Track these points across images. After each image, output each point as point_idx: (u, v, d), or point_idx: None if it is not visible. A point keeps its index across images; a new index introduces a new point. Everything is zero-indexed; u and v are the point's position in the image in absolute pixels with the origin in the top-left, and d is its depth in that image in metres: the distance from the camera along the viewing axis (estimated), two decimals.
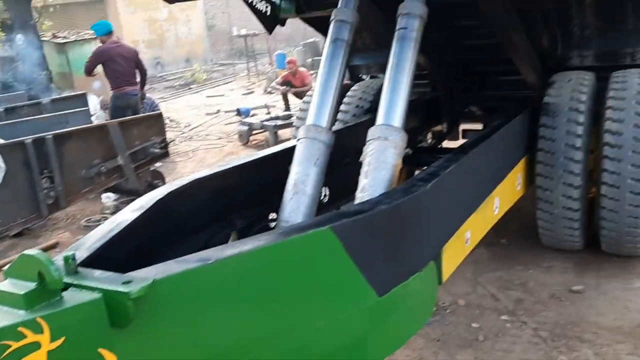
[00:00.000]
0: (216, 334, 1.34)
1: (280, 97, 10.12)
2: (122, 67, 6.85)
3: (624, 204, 3.17)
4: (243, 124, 8.30)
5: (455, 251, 2.28)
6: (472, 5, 2.99)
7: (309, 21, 4.60)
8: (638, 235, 3.27)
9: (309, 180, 2.41)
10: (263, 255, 1.44)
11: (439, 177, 2.01)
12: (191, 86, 16.48)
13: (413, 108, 4.74)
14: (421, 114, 4.64)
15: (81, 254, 1.47)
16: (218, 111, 11.32)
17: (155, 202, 1.93)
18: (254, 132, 8.08)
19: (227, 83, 16.60)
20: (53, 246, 4.80)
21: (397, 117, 2.33)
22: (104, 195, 5.79)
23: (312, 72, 12.46)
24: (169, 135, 9.05)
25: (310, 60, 15.11)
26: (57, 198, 4.95)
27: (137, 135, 5.57)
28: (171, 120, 10.67)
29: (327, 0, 3.20)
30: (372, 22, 3.32)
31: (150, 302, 1.22)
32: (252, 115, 9.41)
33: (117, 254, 1.57)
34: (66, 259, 1.26)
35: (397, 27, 2.50)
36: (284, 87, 9.75)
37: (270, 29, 4.04)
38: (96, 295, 1.19)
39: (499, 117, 3.36)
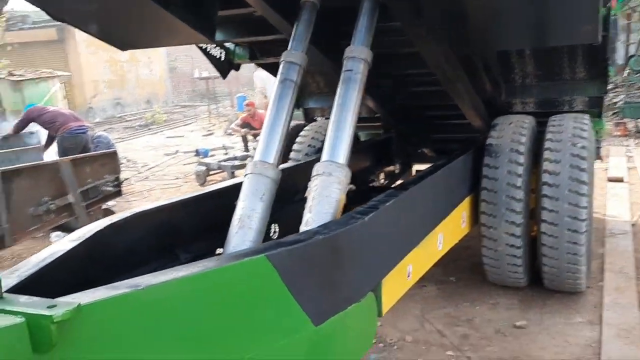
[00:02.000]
0: (143, 358, 1.33)
1: (240, 138, 10.18)
2: (57, 112, 6.82)
3: (562, 241, 3.30)
4: (201, 164, 8.29)
5: (396, 284, 2.33)
6: (417, 55, 3.14)
7: (263, 66, 4.73)
8: (577, 272, 3.39)
9: (255, 214, 2.43)
10: (196, 282, 1.45)
11: (378, 210, 2.07)
12: (151, 127, 16.42)
13: (365, 148, 4.93)
14: (373, 155, 4.78)
15: (10, 281, 1.45)
16: (176, 152, 11.29)
17: (94, 234, 1.92)
18: (212, 172, 8.07)
19: (187, 124, 16.62)
20: None
21: (342, 154, 2.40)
22: (53, 234, 5.65)
23: None
24: (126, 174, 8.98)
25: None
26: (2, 236, 4.79)
27: (89, 173, 5.50)
28: (128, 160, 10.58)
29: (279, 47, 3.33)
30: (319, 65, 3.44)
31: (75, 327, 1.21)
32: (211, 156, 9.42)
33: (50, 283, 1.55)
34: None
35: (343, 69, 2.61)
36: (244, 129, 9.83)
37: (224, 73, 4.14)
38: (19, 319, 1.17)
39: (449, 158, 3.50)
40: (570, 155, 3.32)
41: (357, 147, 4.86)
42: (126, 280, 1.40)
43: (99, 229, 1.95)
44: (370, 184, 4.58)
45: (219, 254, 2.53)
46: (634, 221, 5.03)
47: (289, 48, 2.81)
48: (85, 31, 3.06)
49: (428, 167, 3.08)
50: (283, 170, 2.89)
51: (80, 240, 1.83)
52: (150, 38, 3.35)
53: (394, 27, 3.00)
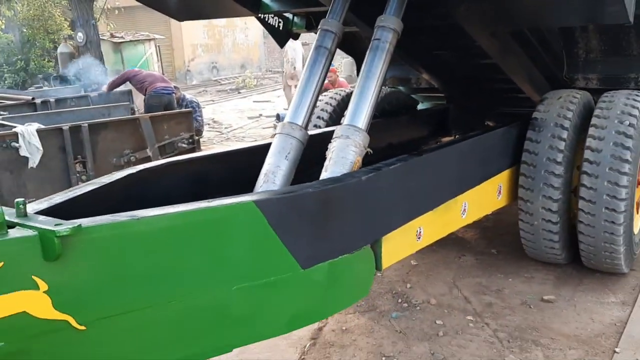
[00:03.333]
0: (137, 278, 1.61)
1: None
2: (149, 73, 7.41)
3: (599, 219, 3.24)
4: (276, 127, 8.63)
5: (402, 243, 2.47)
6: None
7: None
8: (614, 252, 3.32)
9: (279, 171, 2.65)
10: (187, 217, 1.69)
11: (379, 171, 2.21)
12: (241, 91, 17.07)
13: (421, 117, 4.97)
14: (429, 123, 4.83)
15: (41, 206, 1.77)
16: (260, 115, 11.75)
17: (128, 175, 2.22)
18: None
19: (275, 90, 17.08)
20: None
21: (362, 119, 2.55)
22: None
23: (354, 85, 12.70)
24: (209, 134, 9.56)
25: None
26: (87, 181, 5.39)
27: (166, 130, 5.98)
28: (214, 122, 11.18)
29: None
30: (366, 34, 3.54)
31: (76, 242, 1.49)
32: None
33: (77, 211, 1.86)
34: (17, 204, 1.56)
35: (372, 37, 2.73)
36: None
37: (282, 42, 4.33)
38: (33, 232, 1.48)
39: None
40: (615, 133, 3.22)
41: (411, 116, 4.94)
42: (129, 212, 1.67)
43: (134, 172, 2.25)
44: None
45: None
46: None
47: (326, 17, 2.96)
48: (146, 4, 3.40)
49: (458, 137, 3.13)
50: (319, 134, 3.08)
51: (114, 179, 2.13)
52: (202, 11, 3.61)
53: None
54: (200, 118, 8.32)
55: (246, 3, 3.20)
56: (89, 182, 2.11)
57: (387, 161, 2.40)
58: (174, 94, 7.31)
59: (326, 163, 2.47)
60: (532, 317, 3.16)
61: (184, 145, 6.07)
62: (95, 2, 11.07)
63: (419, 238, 2.60)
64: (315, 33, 4.87)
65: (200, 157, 2.67)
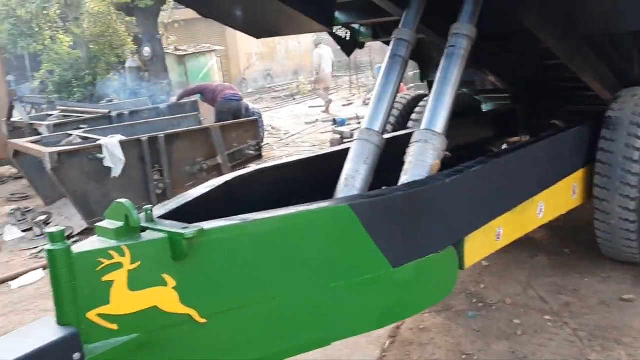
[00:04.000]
0: (248, 275, 1.77)
1: None
2: (219, 84, 7.79)
3: None
4: (335, 132, 8.79)
5: (483, 243, 2.54)
6: None
7: (386, 43, 4.98)
8: None
9: (359, 175, 2.79)
10: (290, 219, 1.85)
11: (462, 173, 2.30)
12: (295, 97, 17.35)
13: (486, 118, 4.99)
14: (495, 125, 4.85)
15: (161, 211, 1.96)
16: (316, 120, 11.95)
17: (224, 182, 2.41)
18: (345, 140, 8.53)
19: (329, 95, 17.26)
20: None
21: (439, 124, 2.65)
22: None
23: (411, 85, 12.74)
24: (269, 141, 9.82)
25: (411, 73, 15.32)
26: (164, 190, 5.71)
27: (235, 138, 6.24)
28: (272, 128, 11.46)
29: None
30: (436, 42, 3.63)
31: (201, 244, 1.67)
32: (347, 125, 9.88)
33: (189, 217, 2.05)
34: (146, 210, 1.75)
35: (447, 44, 2.82)
36: None
37: (349, 52, 4.48)
38: (163, 235, 1.66)
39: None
40: None
41: (477, 117, 4.97)
42: (241, 215, 1.84)
43: (228, 179, 2.44)
44: (489, 154, 4.67)
45: None
46: None
47: (399, 26, 3.08)
48: (227, 25, 3.62)
49: (533, 138, 3.17)
50: (395, 137, 3.20)
51: (213, 187, 2.32)
52: (279, 28, 3.79)
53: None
54: (261, 126, 8.59)
55: (321, 20, 3.35)
56: (192, 190, 2.30)
57: (467, 163, 2.49)
58: (241, 101, 7.62)
59: (405, 167, 2.58)
60: (612, 317, 3.15)
61: (251, 152, 6.32)
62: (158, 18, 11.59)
63: (499, 238, 2.67)
64: (386, 43, 5.03)
65: (284, 164, 2.84)
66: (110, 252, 1.59)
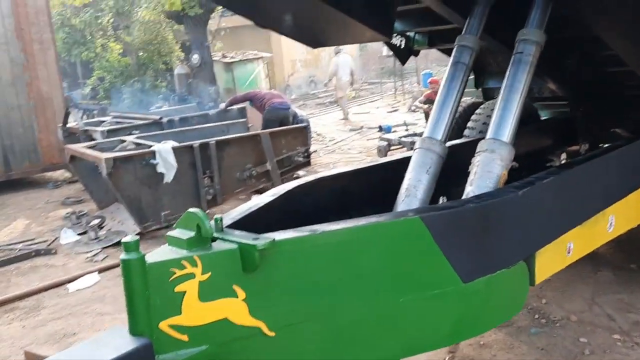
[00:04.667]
0: (317, 287, 1.73)
1: (423, 115, 10.39)
2: (268, 92, 7.84)
3: None
4: (382, 139, 8.71)
5: (553, 259, 2.43)
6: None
7: (442, 51, 4.89)
8: None
9: (421, 185, 2.71)
10: (361, 231, 1.80)
11: (533, 185, 2.20)
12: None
13: (545, 127, 4.84)
14: (554, 133, 4.69)
15: (226, 221, 1.94)
16: (361, 127, 11.89)
17: (287, 191, 2.38)
18: (392, 147, 8.44)
19: (373, 101, 17.21)
20: None
21: (506, 133, 2.55)
22: (253, 197, 6.51)
23: None
24: (315, 147, 9.81)
25: None
26: (215, 195, 5.76)
27: (284, 145, 6.25)
28: (318, 134, 11.45)
29: (457, 34, 3.51)
30: (498, 49, 3.53)
31: (271, 255, 1.64)
32: (393, 132, 9.79)
33: (252, 225, 2.02)
34: (216, 220, 1.73)
35: (515, 51, 2.73)
36: (427, 105, 9.99)
37: (403, 60, 4.40)
38: (234, 246, 1.64)
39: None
40: None
41: (537, 126, 4.81)
42: (309, 226, 1.80)
43: (290, 188, 2.41)
44: (548, 164, 4.51)
45: None
46: None
47: (463, 32, 3.00)
48: (283, 34, 3.60)
49: (603, 148, 3.03)
50: (453, 146, 3.11)
51: (276, 196, 2.29)
52: (335, 38, 3.74)
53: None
54: (309, 132, 8.59)
55: (381, 29, 3.30)
56: (256, 198, 2.28)
57: (537, 175, 2.39)
58: (289, 109, 7.62)
59: (471, 177, 2.50)
60: None
61: (300, 159, 6.32)
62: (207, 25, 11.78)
63: (569, 253, 2.54)
64: (442, 50, 4.95)
65: (343, 172, 2.79)
66: (183, 262, 1.57)
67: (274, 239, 1.63)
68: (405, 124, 9.30)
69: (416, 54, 4.53)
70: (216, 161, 5.71)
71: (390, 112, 14.24)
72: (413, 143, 8.13)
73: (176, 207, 5.48)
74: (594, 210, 2.71)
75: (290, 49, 21.05)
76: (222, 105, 8.30)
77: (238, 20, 20.24)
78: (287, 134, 6.34)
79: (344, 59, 13.62)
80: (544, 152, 4.52)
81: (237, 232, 1.74)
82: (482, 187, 2.40)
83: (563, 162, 4.81)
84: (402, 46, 4.36)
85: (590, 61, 4.03)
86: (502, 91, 2.67)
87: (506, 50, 3.46)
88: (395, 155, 3.24)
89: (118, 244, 5.43)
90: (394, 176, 2.84)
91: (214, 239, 1.68)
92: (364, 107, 16.10)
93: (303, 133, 6.49)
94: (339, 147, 10.05)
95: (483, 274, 2.02)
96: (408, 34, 4.33)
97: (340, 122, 13.34)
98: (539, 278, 2.33)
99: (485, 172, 2.46)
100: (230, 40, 17.42)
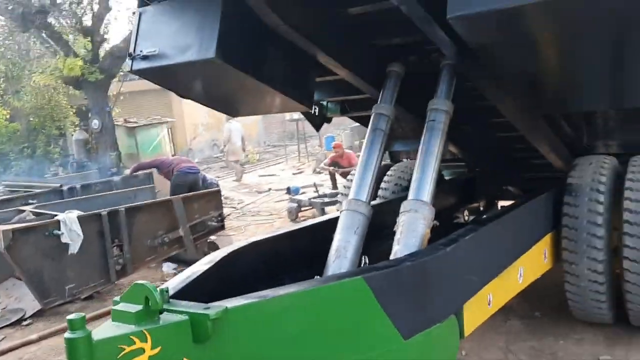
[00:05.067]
0: (270, 352, 1.72)
1: (328, 176, 10.69)
2: (175, 158, 7.78)
3: None
4: (292, 201, 8.83)
5: (477, 310, 2.59)
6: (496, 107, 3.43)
7: (353, 118, 5.18)
8: None
9: (350, 246, 2.81)
10: (307, 295, 1.83)
11: (458, 242, 2.37)
12: (244, 166, 17.37)
13: (449, 187, 5.18)
14: (457, 192, 5.03)
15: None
16: (269, 190, 11.97)
17: (221, 258, 2.37)
18: (303, 208, 8.57)
19: (278, 163, 17.44)
20: None
21: (426, 193, 2.74)
22: (164, 264, 6.30)
23: (358, 153, 13.09)
24: (224, 211, 9.69)
25: (357, 142, 15.83)
26: (124, 265, 5.48)
27: (197, 209, 6.14)
28: (225, 198, 11.33)
29: (368, 102, 3.77)
30: (404, 117, 3.82)
31: (223, 324, 1.62)
32: (302, 194, 9.95)
33: (192, 295, 1.98)
34: (162, 291, 1.69)
35: (427, 119, 2.97)
36: (332, 167, 10.31)
37: (318, 127, 4.61)
38: (184, 317, 1.60)
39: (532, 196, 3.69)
40: None
41: (441, 186, 5.14)
42: (256, 292, 1.81)
43: (225, 254, 2.40)
44: (454, 221, 4.82)
45: None
46: None
47: (379, 101, 3.22)
48: (206, 105, 3.68)
49: (508, 205, 3.31)
50: (372, 206, 3.25)
51: (212, 263, 2.27)
52: (258, 108, 3.86)
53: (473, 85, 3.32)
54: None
55: (302, 99, 3.46)
56: (192, 267, 2.24)
57: (457, 232, 2.57)
58: (199, 174, 7.55)
59: (397, 236, 2.64)
60: None
61: (213, 223, 6.23)
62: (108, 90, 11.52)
63: (490, 304, 2.72)
64: (353, 118, 5.21)
65: (274, 236, 2.83)
66: (132, 337, 1.52)
67: (226, 307, 1.62)
68: (315, 185, 9.51)
69: (329, 120, 4.76)
70: (126, 229, 5.48)
71: (296, 174, 14.49)
72: (324, 204, 8.32)
73: (82, 280, 5.15)
74: (507, 263, 2.93)
75: (191, 113, 20.96)
76: (127, 171, 8.05)
77: (137, 84, 19.96)
78: (200, 198, 6.25)
79: (236, 126, 14.51)
80: (451, 210, 4.83)
81: (183, 302, 1.71)
82: (409, 246, 2.54)
83: (467, 218, 5.17)
84: (317, 114, 4.57)
85: (485, 127, 4.44)
86: (419, 155, 2.88)
87: (412, 118, 3.76)
88: (321, 217, 3.31)
89: (16, 323, 4.98)
90: (319, 238, 2.93)
91: (161, 311, 1.64)
92: (269, 169, 16.26)
93: (216, 197, 6.44)
94: (249, 210, 10.02)
95: (421, 329, 2.11)
96: (322, 102, 4.56)
97: (241, 184, 13.38)
98: (468, 330, 2.46)
99: (411, 231, 2.61)
100: (128, 105, 17.08)
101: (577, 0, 1.89)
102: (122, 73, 11.69)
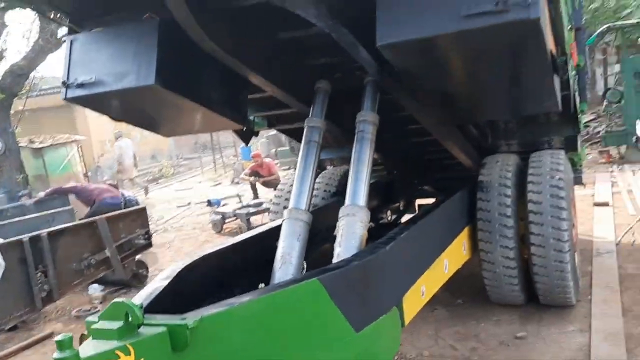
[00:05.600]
0: (243, 355, 1.87)
1: (248, 186, 10.78)
2: (96, 186, 7.48)
3: (550, 260, 3.83)
4: (216, 213, 8.84)
5: (414, 301, 2.86)
6: (411, 116, 3.76)
7: (281, 131, 5.37)
8: (566, 287, 3.91)
9: (294, 252, 3.00)
10: (270, 300, 2.00)
11: (396, 240, 2.63)
12: (159, 181, 17.02)
13: (373, 191, 5.50)
14: (380, 195, 5.36)
15: None
16: (189, 203, 11.85)
17: (176, 275, 2.46)
18: (227, 220, 8.62)
19: (194, 176, 17.25)
20: (49, 336, 5.10)
21: (361, 198, 2.99)
22: (90, 287, 6.14)
23: (276, 161, 13.31)
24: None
25: (274, 150, 16.04)
26: (50, 291, 5.30)
27: (122, 229, 6.05)
28: None
29: (294, 116, 3.99)
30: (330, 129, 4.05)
31: (199, 331, 1.75)
32: (223, 205, 9.98)
33: (155, 311, 2.08)
34: (140, 306, 1.79)
35: (357, 130, 3.22)
36: (253, 177, 10.42)
37: (246, 141, 4.76)
38: (162, 328, 1.72)
39: (447, 194, 4.06)
40: (549, 187, 3.89)
41: None
42: (224, 301, 1.95)
43: (179, 270, 2.50)
44: (380, 222, 5.14)
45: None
46: (618, 241, 5.58)
47: (310, 116, 3.44)
48: (141, 127, 3.72)
49: (430, 204, 3.65)
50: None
51: (169, 279, 2.37)
52: (191, 127, 3.93)
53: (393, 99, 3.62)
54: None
55: (236, 117, 3.61)
56: (149, 285, 2.33)
57: (393, 231, 2.83)
58: (120, 204, 7.30)
59: (338, 239, 2.86)
60: (513, 354, 3.62)
61: (141, 241, 6.16)
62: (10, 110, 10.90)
63: (423, 295, 3.01)
64: (280, 131, 5.38)
65: (222, 248, 2.94)
66: (117, 352, 1.61)
67: (202, 316, 1.76)
68: (238, 196, 9.57)
69: (256, 134, 4.91)
70: (50, 254, 5.30)
71: (214, 185, 14.43)
72: (249, 214, 8.41)
73: (6, 310, 4.94)
74: (435, 256, 3.25)
75: (98, 129, 20.19)
76: (41, 194, 7.71)
77: (37, 102, 18.96)
78: (126, 217, 6.16)
79: (127, 143, 14.45)
80: (375, 211, 5.14)
81: (159, 315, 1.82)
82: (350, 247, 2.77)
83: (390, 218, 5.51)
84: (245, 128, 4.71)
85: (402, 134, 4.80)
86: (351, 164, 3.12)
87: (338, 130, 4.02)
88: (263, 226, 3.48)
89: None
90: (266, 246, 3.09)
91: (139, 325, 1.74)
92: (185, 182, 16.05)
93: (142, 215, 6.37)
94: (171, 225, 9.90)
95: (370, 322, 2.34)
96: (250, 117, 4.71)
97: (157, 200, 13.13)
98: (407, 319, 2.73)
99: (350, 234, 2.84)
100: (30, 124, 16.18)
101: (476, 34, 2.23)
102: (25, 90, 11.12)
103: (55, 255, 5.37)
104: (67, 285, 5.51)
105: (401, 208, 5.75)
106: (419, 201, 6.08)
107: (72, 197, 7.74)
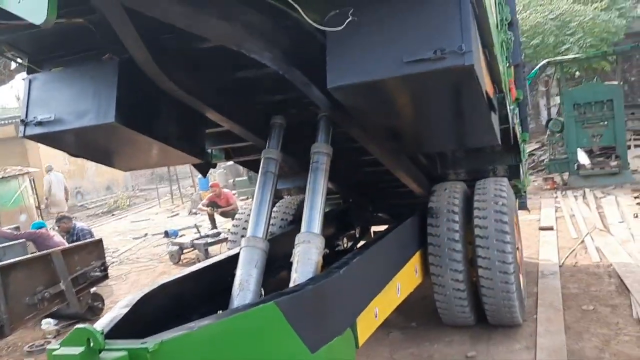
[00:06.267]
0: None
1: (206, 217, 10.76)
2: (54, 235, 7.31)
3: (496, 282, 4.04)
4: (174, 244, 8.79)
5: (367, 323, 2.99)
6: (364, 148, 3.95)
7: (239, 163, 5.49)
8: (512, 307, 4.12)
9: (251, 279, 3.09)
10: (229, 323, 2.09)
11: (349, 265, 2.77)
12: (114, 212, 16.73)
13: (329, 219, 5.66)
14: (336, 223, 5.51)
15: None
16: (145, 235, 11.71)
17: (134, 304, 2.52)
18: (185, 251, 8.59)
19: (150, 207, 17.03)
20: None
21: (316, 226, 3.12)
22: (44, 321, 6.01)
23: (234, 191, 13.32)
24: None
25: (232, 180, 16.03)
26: (1, 327, 5.17)
27: (77, 261, 5.97)
28: None
29: (250, 148, 4.12)
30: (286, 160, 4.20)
31: (159, 355, 1.83)
32: (181, 236, 9.92)
33: (117, 335, 2.15)
34: (100, 332, 1.86)
35: (311, 161, 3.37)
36: (210, 207, 10.42)
37: (204, 173, 4.85)
38: (123, 353, 1.79)
39: (400, 220, 4.24)
40: (494, 212, 4.12)
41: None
42: (182, 325, 2.03)
43: (138, 299, 2.56)
44: (336, 248, 5.28)
45: None
46: (562, 263, 5.89)
47: (267, 147, 3.58)
48: (99, 162, 3.78)
49: (383, 230, 3.81)
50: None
51: (129, 307, 2.43)
52: (149, 161, 4.00)
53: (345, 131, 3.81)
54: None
55: (196, 153, 3.71)
56: (108, 315, 2.38)
57: (347, 256, 2.97)
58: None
59: (294, 265, 2.98)
60: None
61: (97, 273, 6.09)
62: None
63: (376, 317, 3.14)
64: (239, 163, 5.47)
65: (180, 277, 3.01)
66: None
67: (161, 340, 1.84)
68: (196, 227, 9.54)
69: (214, 166, 5.01)
70: (1, 289, 5.19)
71: (171, 216, 14.30)
72: (207, 244, 8.41)
73: None
74: (387, 280, 3.40)
75: (50, 161, 19.74)
76: None
77: None
78: (81, 249, 6.09)
79: (57, 177, 14.25)
80: (331, 239, 5.28)
81: (119, 340, 1.89)
82: (305, 273, 2.88)
83: (346, 245, 5.66)
84: (202, 160, 4.80)
85: (356, 164, 4.99)
86: (307, 193, 3.26)
87: (293, 161, 4.16)
88: (222, 254, 3.56)
89: None
90: (224, 274, 3.18)
91: (100, 350, 1.81)
92: (141, 214, 15.83)
93: (98, 247, 6.31)
94: (126, 257, 9.76)
95: (324, 343, 2.45)
96: (208, 150, 4.81)
97: (114, 232, 12.92)
98: (361, 340, 2.85)
99: (306, 260, 2.96)
100: None
101: (417, 78, 2.43)
102: None
103: (6, 290, 5.25)
104: (19, 320, 5.39)
105: (357, 235, 5.92)
106: (374, 228, 6.28)
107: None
